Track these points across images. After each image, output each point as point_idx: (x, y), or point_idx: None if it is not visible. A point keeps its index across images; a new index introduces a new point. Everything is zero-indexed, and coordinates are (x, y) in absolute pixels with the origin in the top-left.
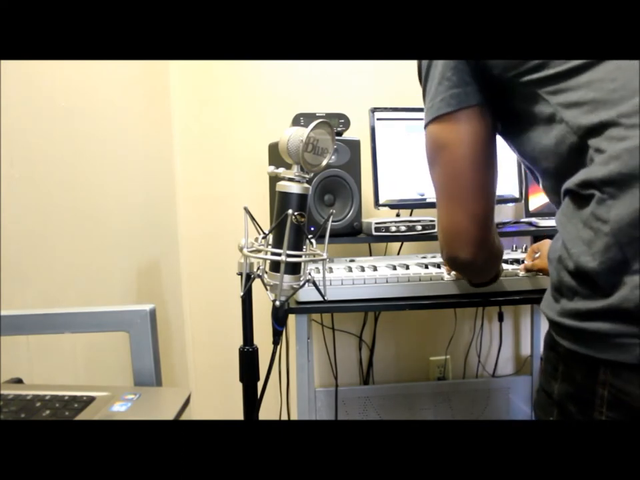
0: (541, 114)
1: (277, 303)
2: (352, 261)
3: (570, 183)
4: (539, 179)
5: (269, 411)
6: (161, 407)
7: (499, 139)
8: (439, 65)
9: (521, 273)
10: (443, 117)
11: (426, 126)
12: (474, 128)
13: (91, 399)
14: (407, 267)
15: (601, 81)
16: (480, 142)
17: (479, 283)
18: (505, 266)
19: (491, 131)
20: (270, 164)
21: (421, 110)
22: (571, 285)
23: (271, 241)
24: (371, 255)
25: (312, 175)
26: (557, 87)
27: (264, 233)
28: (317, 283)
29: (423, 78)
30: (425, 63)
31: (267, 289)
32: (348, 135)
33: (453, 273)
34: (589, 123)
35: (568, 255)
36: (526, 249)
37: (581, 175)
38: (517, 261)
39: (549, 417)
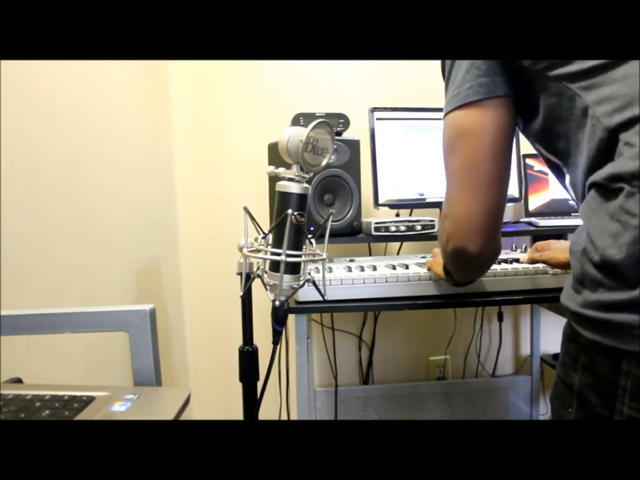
0: (572, 109)
1: (277, 302)
2: (351, 260)
3: (597, 176)
4: (566, 174)
5: (268, 411)
6: (160, 407)
7: None
8: None
9: (522, 266)
10: (470, 104)
11: (448, 113)
12: (499, 118)
13: (90, 399)
14: (407, 267)
15: (635, 76)
16: (503, 133)
17: (462, 282)
18: (504, 265)
19: (513, 123)
20: (270, 164)
21: (420, 110)
22: (595, 277)
23: (270, 241)
24: (370, 255)
25: (312, 174)
26: (590, 82)
27: (264, 233)
28: (317, 282)
29: (448, 66)
30: None
31: (266, 289)
32: (348, 135)
33: (431, 271)
34: (621, 119)
35: (593, 247)
36: (526, 248)
37: (609, 169)
38: (517, 261)
39: (568, 409)
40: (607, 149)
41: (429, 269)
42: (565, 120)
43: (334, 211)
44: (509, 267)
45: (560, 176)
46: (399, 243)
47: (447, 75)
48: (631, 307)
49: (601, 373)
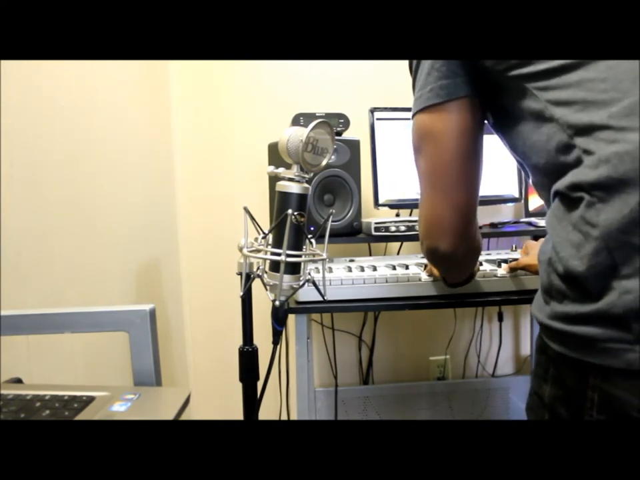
0: (530, 109)
1: (277, 302)
2: (351, 260)
3: (560, 184)
4: (529, 174)
5: (268, 411)
6: (160, 407)
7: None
8: None
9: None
10: (432, 107)
11: (414, 115)
12: (462, 119)
13: (90, 399)
14: (407, 267)
15: (592, 80)
16: (467, 133)
17: (454, 282)
18: (504, 266)
19: (478, 123)
20: (270, 164)
21: None
22: (561, 288)
23: (270, 241)
24: (370, 255)
25: (312, 174)
26: (546, 84)
27: (264, 233)
28: (317, 282)
29: (414, 68)
30: None
31: (266, 289)
32: (348, 135)
33: (430, 273)
34: (578, 123)
35: (557, 257)
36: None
37: (570, 177)
38: (516, 260)
39: None
40: (566, 153)
41: (429, 273)
42: (523, 119)
43: (334, 210)
44: (508, 267)
45: (526, 174)
46: (399, 243)
47: (413, 74)
48: (594, 320)
49: (569, 385)
